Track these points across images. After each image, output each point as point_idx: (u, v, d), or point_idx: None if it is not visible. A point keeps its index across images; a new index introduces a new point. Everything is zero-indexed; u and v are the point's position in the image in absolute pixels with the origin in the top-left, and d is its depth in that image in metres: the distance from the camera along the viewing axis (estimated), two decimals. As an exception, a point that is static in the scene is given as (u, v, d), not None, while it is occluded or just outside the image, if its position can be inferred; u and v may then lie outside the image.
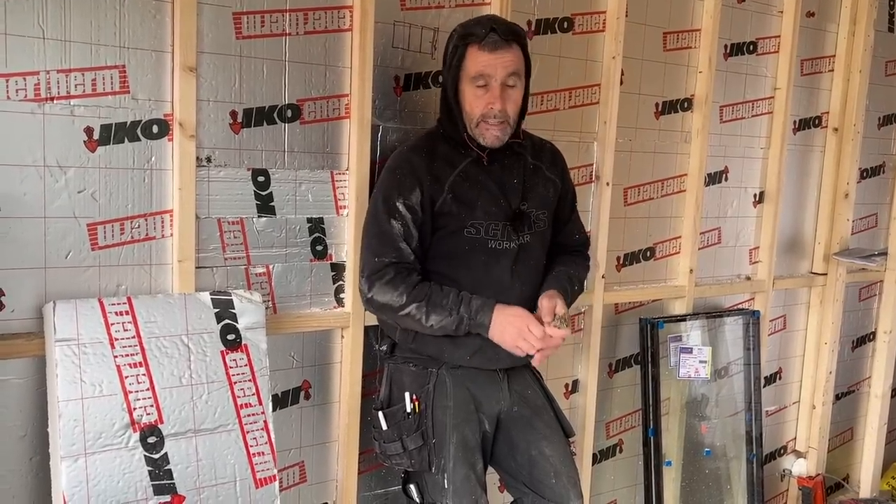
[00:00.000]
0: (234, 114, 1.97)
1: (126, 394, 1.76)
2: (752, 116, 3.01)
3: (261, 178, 2.03)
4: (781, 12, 2.98)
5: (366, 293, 1.95)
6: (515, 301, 1.93)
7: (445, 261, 1.97)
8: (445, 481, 1.93)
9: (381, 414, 2.02)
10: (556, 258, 2.12)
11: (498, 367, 2.02)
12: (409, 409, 1.98)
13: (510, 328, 1.86)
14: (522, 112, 1.99)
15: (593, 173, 2.62)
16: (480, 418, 2.00)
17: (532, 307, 1.94)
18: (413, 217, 1.92)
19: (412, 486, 2.02)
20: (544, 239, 2.08)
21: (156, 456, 1.78)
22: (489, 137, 1.92)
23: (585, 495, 2.69)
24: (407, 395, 1.99)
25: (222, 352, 1.89)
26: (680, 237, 2.87)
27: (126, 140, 1.84)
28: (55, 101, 1.75)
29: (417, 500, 2.01)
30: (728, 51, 2.90)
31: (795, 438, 3.41)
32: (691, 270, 2.86)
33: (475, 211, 1.95)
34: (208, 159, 1.95)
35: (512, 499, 2.14)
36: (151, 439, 1.78)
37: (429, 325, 1.89)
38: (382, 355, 2.12)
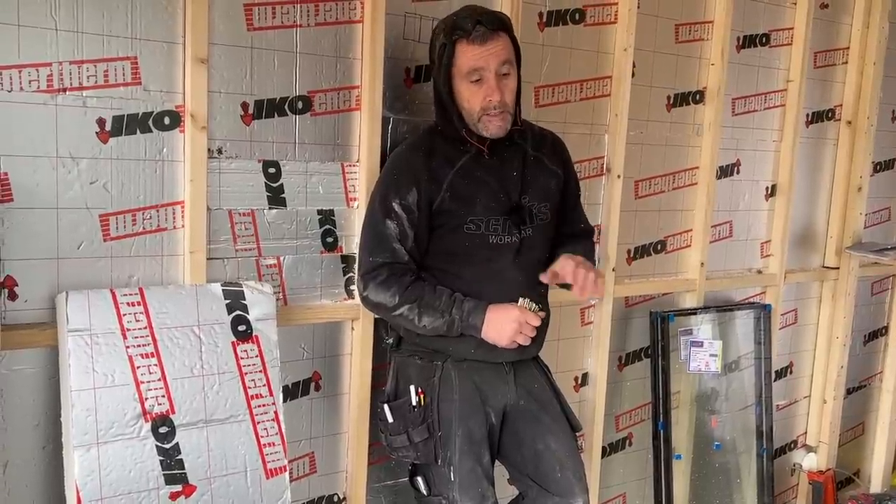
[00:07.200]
0: (245, 105, 1.97)
1: (138, 384, 1.77)
2: (765, 109, 2.99)
3: (272, 170, 2.03)
4: (795, 4, 2.95)
5: (361, 292, 1.97)
6: (519, 294, 1.93)
7: (447, 257, 1.97)
8: (452, 474, 1.94)
9: (386, 407, 2.03)
10: (559, 245, 2.10)
11: (504, 360, 2.01)
12: (414, 403, 1.98)
13: (507, 326, 1.87)
14: (518, 98, 1.97)
15: (604, 166, 2.61)
16: (487, 411, 2.00)
17: (536, 300, 1.95)
18: (409, 217, 1.92)
19: (419, 479, 2.03)
20: (547, 232, 2.07)
21: (167, 446, 1.79)
22: (493, 128, 1.91)
23: (594, 488, 2.69)
24: (412, 388, 1.99)
25: (233, 343, 1.90)
26: (691, 230, 2.86)
27: (138, 131, 1.85)
28: (67, 93, 1.76)
29: (425, 493, 2.02)
30: (740, 43, 2.88)
31: (806, 433, 3.40)
32: (702, 264, 2.85)
33: (474, 207, 1.94)
34: (219, 151, 1.95)
35: (517, 492, 2.14)
36: (163, 429, 1.79)
37: (421, 325, 1.90)
38: (389, 348, 2.12)
